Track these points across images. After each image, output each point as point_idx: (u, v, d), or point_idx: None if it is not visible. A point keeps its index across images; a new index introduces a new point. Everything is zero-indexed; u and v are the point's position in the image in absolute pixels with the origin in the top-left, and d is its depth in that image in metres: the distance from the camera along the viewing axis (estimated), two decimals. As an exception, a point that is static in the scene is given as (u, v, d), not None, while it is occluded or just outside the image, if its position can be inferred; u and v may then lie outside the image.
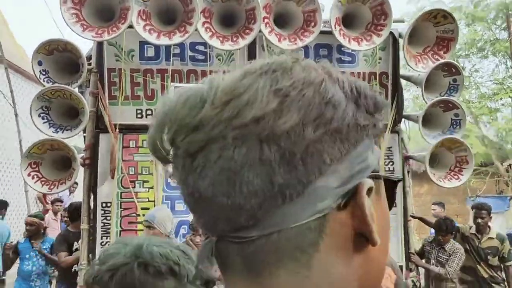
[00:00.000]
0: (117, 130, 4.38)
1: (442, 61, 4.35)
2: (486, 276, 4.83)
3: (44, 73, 3.93)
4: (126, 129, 4.50)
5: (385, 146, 4.76)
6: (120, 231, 4.37)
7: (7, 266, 5.44)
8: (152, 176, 4.48)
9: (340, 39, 4.28)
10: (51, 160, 3.86)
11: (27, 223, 5.14)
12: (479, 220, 4.94)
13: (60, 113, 3.97)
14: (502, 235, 4.98)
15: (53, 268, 5.72)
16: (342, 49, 4.77)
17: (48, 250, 5.22)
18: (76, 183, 14.68)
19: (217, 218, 0.43)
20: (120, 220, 4.38)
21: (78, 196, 7.21)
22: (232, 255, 0.43)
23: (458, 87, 4.44)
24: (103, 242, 4.34)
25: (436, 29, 4.48)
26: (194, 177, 0.44)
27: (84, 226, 4.37)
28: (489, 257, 4.83)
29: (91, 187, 4.37)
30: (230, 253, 0.43)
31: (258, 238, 0.41)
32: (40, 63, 3.86)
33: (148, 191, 4.45)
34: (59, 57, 3.92)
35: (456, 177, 4.22)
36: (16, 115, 6.33)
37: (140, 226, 4.38)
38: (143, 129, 4.52)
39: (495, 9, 14.16)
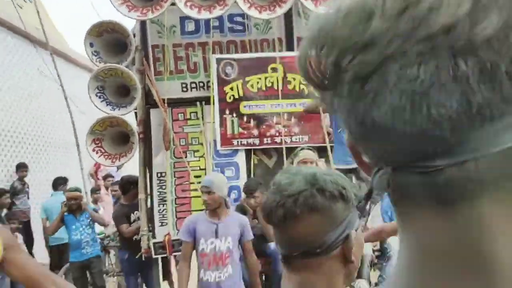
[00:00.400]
0: (166, 104, 4.62)
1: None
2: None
3: (95, 54, 4.19)
4: (174, 103, 4.74)
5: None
6: (175, 198, 4.67)
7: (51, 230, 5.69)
8: (201, 145, 4.73)
9: None
10: (111, 136, 4.16)
11: (70, 197, 5.29)
12: None
13: (113, 92, 4.24)
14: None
15: (103, 234, 6.15)
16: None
17: (89, 220, 5.50)
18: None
19: (395, 147, 0.38)
20: (175, 189, 4.67)
21: (125, 172, 7.63)
22: (414, 186, 0.39)
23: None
24: (160, 210, 4.67)
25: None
26: (365, 104, 0.38)
27: (141, 196, 4.70)
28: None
29: (146, 159, 4.66)
30: (411, 184, 0.39)
31: (449, 167, 0.36)
32: (91, 45, 4.12)
33: (199, 160, 4.71)
34: (108, 37, 4.16)
35: None
36: (65, 98, 6.69)
37: (193, 193, 4.68)
38: (189, 101, 4.76)
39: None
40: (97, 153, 4.07)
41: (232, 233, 3.22)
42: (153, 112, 4.68)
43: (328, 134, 4.58)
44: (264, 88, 4.70)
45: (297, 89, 4.66)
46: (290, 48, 4.72)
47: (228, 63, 4.69)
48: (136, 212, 4.83)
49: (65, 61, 8.54)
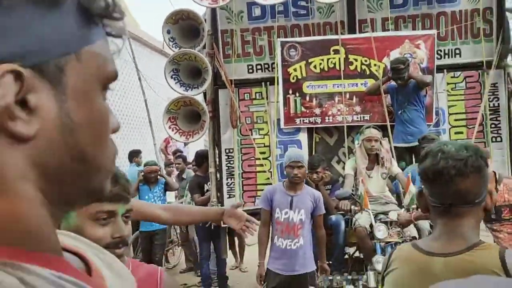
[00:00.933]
0: (233, 85, 4.97)
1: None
2: None
3: (172, 40, 4.60)
4: (240, 84, 5.08)
5: (489, 82, 4.80)
6: (242, 173, 5.06)
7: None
8: (266, 124, 5.06)
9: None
10: (185, 115, 4.59)
11: (150, 171, 5.66)
12: None
13: (186, 74, 4.64)
14: None
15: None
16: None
17: (162, 190, 5.95)
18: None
19: None
20: (241, 164, 5.06)
21: (192, 148, 8.14)
22: None
23: None
24: (228, 183, 5.08)
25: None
26: None
27: (211, 170, 5.13)
28: None
29: (216, 136, 5.07)
30: None
31: None
32: (168, 32, 4.53)
33: (264, 138, 5.05)
34: (183, 24, 4.55)
35: None
36: (139, 78, 7.24)
37: (258, 168, 5.04)
38: (255, 82, 5.07)
39: None
40: (173, 130, 4.53)
41: (306, 206, 3.51)
42: (221, 92, 5.05)
43: (389, 113, 4.73)
44: (326, 69, 4.91)
45: (358, 69, 4.82)
46: (351, 31, 4.87)
47: (292, 45, 4.94)
48: (209, 183, 5.28)
49: (139, 44, 9.17)
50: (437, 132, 4.71)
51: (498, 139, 4.77)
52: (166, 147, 9.40)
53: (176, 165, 7.69)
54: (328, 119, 4.94)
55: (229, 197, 5.06)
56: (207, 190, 5.39)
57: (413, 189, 3.39)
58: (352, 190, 3.91)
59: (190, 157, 7.78)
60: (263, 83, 5.04)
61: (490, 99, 4.81)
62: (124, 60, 8.19)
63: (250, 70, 5.11)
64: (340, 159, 5.03)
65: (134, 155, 7.68)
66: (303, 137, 5.01)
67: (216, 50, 5.01)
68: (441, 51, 4.88)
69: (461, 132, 4.80)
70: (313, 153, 4.97)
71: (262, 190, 4.96)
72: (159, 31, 4.66)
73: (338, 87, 4.91)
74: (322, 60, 4.91)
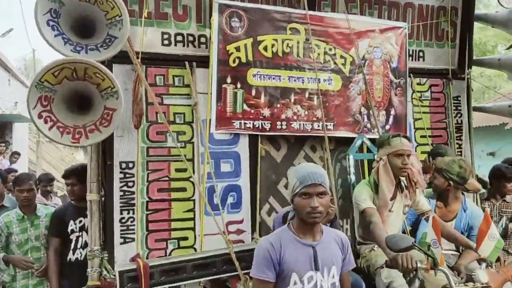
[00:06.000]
0: (138, 60, 3.07)
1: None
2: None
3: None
4: (150, 61, 3.21)
5: (451, 95, 4.09)
6: (147, 201, 3.13)
7: None
8: (189, 126, 3.27)
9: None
10: (67, 96, 2.47)
11: None
12: None
13: (71, 25, 2.57)
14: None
15: None
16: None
17: None
18: (17, 153, 12.08)
19: None
20: (147, 187, 3.13)
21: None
22: None
23: (544, 28, 3.88)
24: (123, 218, 3.07)
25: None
26: None
27: (92, 196, 3.06)
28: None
29: (103, 142, 3.03)
30: None
31: None
32: None
33: (185, 147, 3.25)
34: None
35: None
36: None
37: (175, 195, 3.20)
38: (173, 60, 3.28)
39: None
40: (46, 121, 2.36)
41: (336, 260, 1.95)
42: (116, 70, 3.06)
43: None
44: (280, 54, 3.45)
45: (321, 60, 3.51)
46: (311, 7, 3.55)
47: (235, 13, 3.34)
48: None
49: None
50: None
51: (462, 162, 4.05)
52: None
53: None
54: (281, 125, 3.46)
55: (124, 243, 3.06)
56: (72, 231, 3.29)
57: (495, 232, 2.21)
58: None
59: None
60: (186, 63, 3.28)
61: (454, 115, 4.09)
62: None
63: (166, 42, 3.28)
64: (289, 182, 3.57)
65: None
66: (243, 148, 3.39)
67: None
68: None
69: (427, 152, 3.92)
70: (258, 172, 3.40)
71: (181, 230, 3.16)
72: None
73: (295, 81, 3.50)
74: (276, 40, 3.44)
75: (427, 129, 3.98)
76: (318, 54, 3.48)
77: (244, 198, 3.37)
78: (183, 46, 3.33)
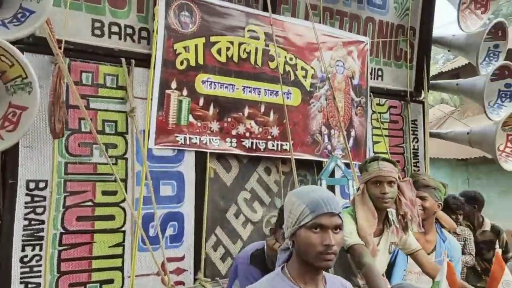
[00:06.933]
0: (61, 50, 2.39)
1: (493, 22, 3.64)
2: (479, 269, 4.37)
3: None
4: (76, 53, 2.54)
5: (409, 118, 3.85)
6: (61, 233, 2.41)
7: None
8: (122, 137, 2.62)
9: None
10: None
11: None
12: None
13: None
14: (498, 227, 4.54)
15: None
16: (376, -12, 3.68)
17: None
18: None
19: None
20: (63, 215, 2.41)
21: None
22: None
23: (499, 54, 3.80)
24: (26, 256, 2.32)
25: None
26: None
27: (-16, 225, 2.28)
28: (483, 251, 4.37)
29: (3, 153, 2.29)
30: None
31: None
32: None
33: (116, 163, 2.58)
34: None
35: (511, 158, 3.57)
36: None
37: (99, 224, 2.50)
38: (105, 55, 2.65)
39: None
40: None
41: None
42: (29, 60, 2.35)
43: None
44: (236, 59, 2.94)
45: (281, 70, 3.05)
46: (267, 8, 3.10)
47: (186, 6, 2.79)
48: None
49: None
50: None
51: (419, 190, 3.79)
52: None
53: None
54: (231, 141, 2.92)
55: (25, 289, 2.30)
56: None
57: (510, 279, 1.85)
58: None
59: None
60: (122, 60, 2.65)
61: (411, 139, 3.85)
62: None
63: (98, 32, 2.63)
64: (240, 210, 3.03)
65: None
66: (187, 167, 2.80)
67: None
68: (365, 68, 3.67)
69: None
70: (206, 198, 2.82)
71: (105, 270, 2.47)
72: None
73: (251, 92, 3.00)
74: (232, 43, 2.93)
75: (385, 153, 3.68)
76: (278, 63, 3.02)
77: (187, 229, 2.76)
78: (119, 39, 2.70)
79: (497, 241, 4.26)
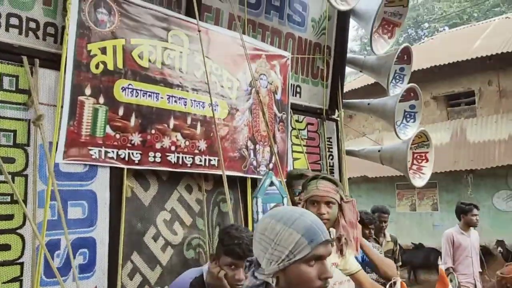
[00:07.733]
0: None
1: (401, 47, 3.88)
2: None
3: None
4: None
5: (325, 136, 3.90)
6: None
7: None
8: (23, 150, 2.19)
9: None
10: None
11: None
12: (383, 224, 4.63)
13: None
14: (394, 236, 4.82)
15: None
16: (295, 4, 3.69)
17: None
18: None
19: None
20: None
21: None
22: None
23: (404, 77, 4.05)
24: None
25: (385, 9, 3.98)
26: None
27: None
28: (388, 260, 4.58)
29: None
30: None
31: None
32: None
33: (13, 181, 2.13)
34: None
35: (417, 175, 3.77)
36: None
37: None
38: (4, 52, 2.22)
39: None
40: None
41: None
42: None
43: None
44: (159, 65, 2.68)
45: (207, 80, 2.85)
46: (190, 14, 2.90)
47: (104, 2, 2.47)
48: None
49: None
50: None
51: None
52: None
53: None
54: (155, 156, 2.63)
55: None
56: None
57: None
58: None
59: None
60: (24, 59, 2.23)
61: (327, 156, 3.89)
62: None
63: (-6, 23, 2.19)
64: (159, 232, 2.73)
65: None
66: (101, 185, 2.43)
67: None
68: (285, 84, 3.63)
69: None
70: (123, 220, 2.48)
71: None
72: None
73: (176, 102, 2.75)
74: (155, 47, 2.66)
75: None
76: (204, 72, 2.82)
77: (100, 256, 2.39)
78: (20, 33, 2.28)
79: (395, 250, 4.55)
